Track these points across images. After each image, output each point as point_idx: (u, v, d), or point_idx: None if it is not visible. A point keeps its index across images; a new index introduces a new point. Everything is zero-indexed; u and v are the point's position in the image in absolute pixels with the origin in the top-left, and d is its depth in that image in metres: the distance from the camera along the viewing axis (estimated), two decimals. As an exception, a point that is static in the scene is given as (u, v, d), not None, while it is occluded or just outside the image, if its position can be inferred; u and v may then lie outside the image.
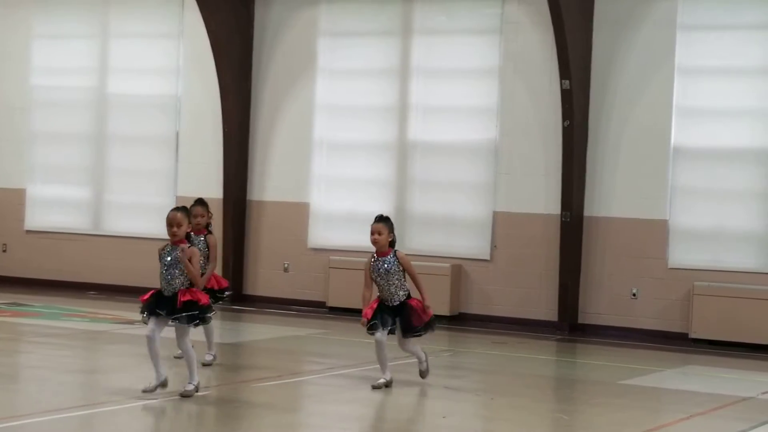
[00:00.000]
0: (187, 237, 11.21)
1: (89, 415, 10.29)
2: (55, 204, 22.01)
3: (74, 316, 17.59)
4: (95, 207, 21.57)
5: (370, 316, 11.97)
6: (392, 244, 12.19)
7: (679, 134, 17.88)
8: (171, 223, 10.99)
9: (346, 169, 19.90)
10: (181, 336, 11.00)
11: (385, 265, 12.05)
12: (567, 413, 11.66)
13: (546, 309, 18.35)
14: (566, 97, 17.88)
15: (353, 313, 18.97)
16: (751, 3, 17.62)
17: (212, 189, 20.34)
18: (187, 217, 11.16)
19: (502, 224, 18.79)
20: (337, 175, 19.95)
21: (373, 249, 12.27)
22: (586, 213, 18.28)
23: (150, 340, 10.83)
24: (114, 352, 14.60)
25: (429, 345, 16.14)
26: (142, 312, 11.02)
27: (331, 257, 19.66)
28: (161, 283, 10.96)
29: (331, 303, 19.53)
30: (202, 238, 12.83)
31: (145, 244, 20.89)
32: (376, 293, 12.25)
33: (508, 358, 15.46)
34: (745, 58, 17.62)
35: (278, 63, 20.36)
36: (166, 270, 10.92)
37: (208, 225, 13.06)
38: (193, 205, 12.85)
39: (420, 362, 12.60)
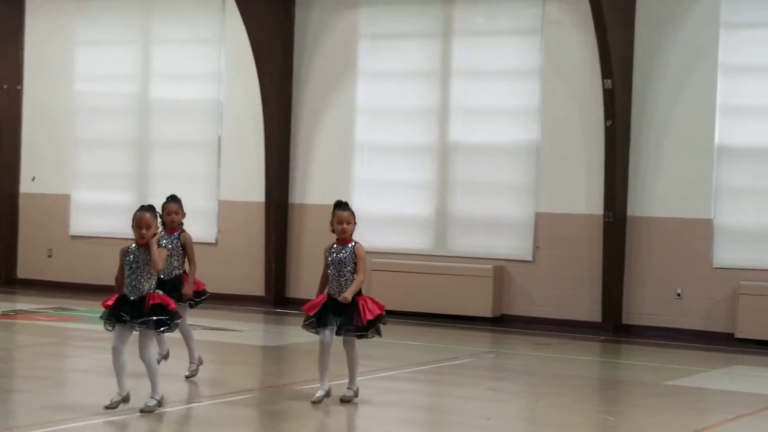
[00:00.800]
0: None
1: (136, 418, 10.35)
2: (99, 209, 22.15)
3: (119, 321, 17.65)
4: (139, 212, 21.65)
5: (311, 312, 11.02)
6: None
7: (723, 133, 17.76)
8: (140, 224, 10.25)
9: (387, 172, 19.91)
10: (144, 345, 10.28)
11: (341, 254, 11.11)
12: (612, 414, 11.60)
13: (589, 310, 18.28)
14: (608, 96, 17.81)
15: (396, 315, 18.99)
16: (794, 0, 17.51)
17: (254, 193, 20.41)
18: (156, 218, 10.43)
19: (544, 225, 18.73)
20: (379, 178, 19.96)
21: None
22: (629, 213, 18.19)
23: (116, 351, 10.23)
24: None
25: (472, 347, 16.16)
26: (104, 318, 10.40)
27: (373, 259, 19.63)
28: (126, 287, 10.30)
29: (374, 305, 19.50)
30: (176, 236, 12.06)
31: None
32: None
33: (551, 360, 15.41)
34: (788, 56, 17.51)
35: (319, 66, 20.40)
36: (131, 272, 10.25)
37: (181, 223, 12.22)
38: (166, 202, 12.19)
39: (350, 382, 11.34)
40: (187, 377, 12.19)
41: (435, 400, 12.50)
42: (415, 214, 19.70)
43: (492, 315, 18.71)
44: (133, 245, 10.37)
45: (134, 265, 10.27)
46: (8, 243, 22.68)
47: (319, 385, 11.07)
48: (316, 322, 10.97)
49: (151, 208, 10.45)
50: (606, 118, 17.92)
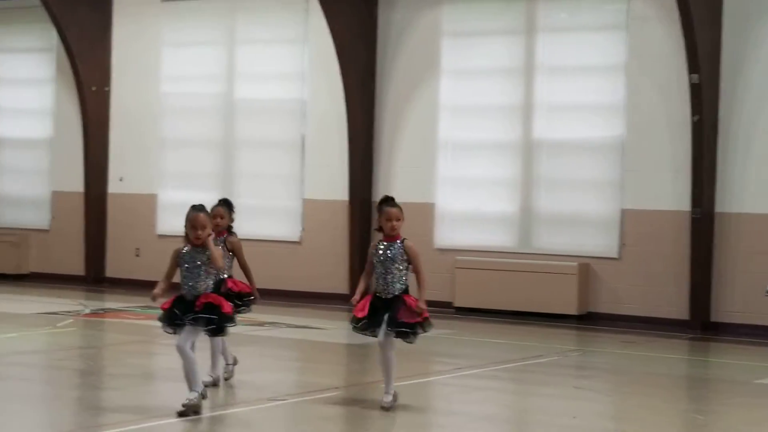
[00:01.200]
0: None
1: (222, 416, 10.43)
2: (185, 209, 22.01)
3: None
4: (224, 211, 21.78)
5: (361, 315, 10.64)
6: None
7: (813, 127, 17.49)
8: (195, 224, 10.22)
9: (471, 169, 19.86)
10: (185, 338, 10.07)
11: (389, 252, 10.67)
12: (701, 413, 11.47)
13: (677, 307, 18.09)
14: (695, 91, 17.60)
15: (481, 313, 18.98)
16: None
17: (338, 191, 20.48)
18: (209, 218, 10.41)
19: (630, 222, 18.57)
20: (462, 176, 19.92)
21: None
22: (717, 209, 17.96)
23: (180, 349, 10.05)
24: (244, 354, 14.77)
25: (558, 345, 16.07)
26: (162, 321, 10.29)
27: (457, 257, 19.65)
28: (183, 288, 10.25)
29: (458, 303, 19.51)
30: (221, 240, 11.70)
31: (274, 247, 21.16)
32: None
33: (638, 358, 15.27)
34: None
35: (402, 65, 20.42)
36: (188, 273, 10.20)
37: (230, 227, 11.99)
38: (216, 205, 11.99)
39: (386, 387, 10.79)
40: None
41: (520, 398, 12.45)
42: (499, 212, 19.63)
43: (577, 312, 18.59)
44: (187, 247, 10.31)
45: (191, 266, 10.22)
46: (97, 243, 23.01)
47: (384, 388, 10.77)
48: (368, 323, 10.65)
49: (203, 209, 10.40)
50: (693, 113, 17.72)
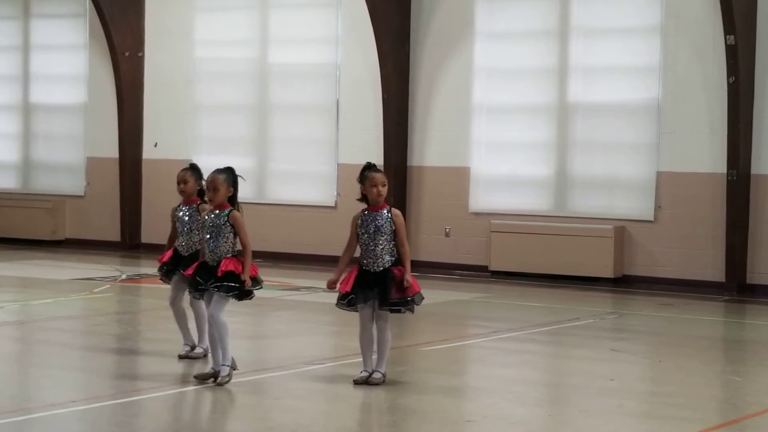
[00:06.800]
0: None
1: (259, 380, 10.48)
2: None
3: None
4: (259, 176, 21.88)
5: (347, 290, 10.05)
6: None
7: None
8: (208, 186, 10.19)
9: (505, 133, 19.80)
10: (216, 308, 9.99)
11: (376, 222, 10.08)
12: (738, 375, 11.44)
13: (713, 270, 18.02)
14: (731, 52, 17.45)
15: (516, 276, 18.97)
16: None
17: (373, 155, 20.37)
18: (227, 181, 10.16)
19: (666, 184, 18.48)
20: (497, 139, 19.86)
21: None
22: (753, 171, 17.85)
23: (214, 318, 9.99)
24: (281, 319, 14.86)
25: (593, 308, 16.05)
26: (189, 287, 10.37)
27: (492, 221, 19.62)
28: (206, 253, 10.12)
29: (493, 267, 19.50)
30: (195, 208, 11.31)
31: (309, 212, 21.20)
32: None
33: (674, 320, 15.24)
34: None
35: (436, 28, 20.33)
36: (210, 238, 10.07)
37: (201, 193, 11.33)
38: (183, 171, 11.76)
39: (378, 363, 10.16)
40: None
41: (557, 361, 12.45)
42: (535, 175, 19.57)
43: (613, 276, 18.55)
44: (210, 212, 10.21)
45: (212, 230, 10.10)
46: (132, 208, 23.09)
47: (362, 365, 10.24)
48: (355, 298, 10.05)
49: (222, 170, 10.19)
50: (729, 74, 17.58)
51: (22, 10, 24.45)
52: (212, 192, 10.14)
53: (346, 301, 10.12)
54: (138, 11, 23.05)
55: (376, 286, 10.03)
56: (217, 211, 10.16)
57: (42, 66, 24.33)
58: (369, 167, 10.40)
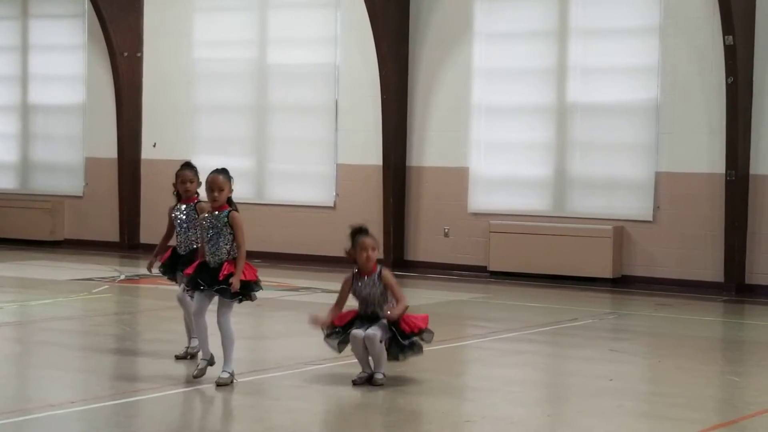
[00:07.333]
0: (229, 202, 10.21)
1: (259, 380, 10.48)
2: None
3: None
4: (258, 176, 21.88)
5: (340, 324, 10.23)
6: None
7: None
8: (212, 187, 10.04)
9: (504, 133, 19.80)
10: (222, 312, 10.02)
11: (367, 289, 10.15)
12: (737, 375, 11.44)
13: (712, 270, 18.02)
14: (730, 53, 17.46)
15: (515, 277, 18.97)
16: None
17: (371, 156, 20.47)
18: (229, 181, 10.11)
19: (665, 185, 18.48)
20: (496, 139, 19.86)
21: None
22: (752, 171, 17.86)
23: (197, 314, 10.09)
24: (280, 319, 14.85)
25: (593, 308, 16.05)
26: (186, 285, 10.39)
27: (491, 221, 19.62)
28: (206, 254, 10.08)
29: (492, 267, 19.50)
30: (192, 207, 11.45)
31: (307, 212, 21.21)
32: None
33: (673, 320, 15.24)
34: None
35: (435, 28, 20.33)
36: (209, 239, 10.04)
37: (197, 193, 11.49)
38: (182, 169, 11.84)
39: (377, 367, 10.23)
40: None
41: (556, 361, 12.45)
42: (534, 176, 19.58)
43: (612, 276, 18.55)
44: (210, 212, 10.15)
45: (212, 232, 10.07)
46: (131, 208, 23.09)
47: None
48: (342, 332, 10.20)
49: (221, 171, 10.14)
50: (727, 75, 17.58)
51: (21, 11, 24.44)
52: (217, 192, 10.06)
53: (334, 332, 10.26)
54: (137, 12, 23.04)
55: (370, 324, 10.10)
56: (216, 213, 10.12)
57: (40, 66, 24.32)
58: (359, 231, 10.23)
